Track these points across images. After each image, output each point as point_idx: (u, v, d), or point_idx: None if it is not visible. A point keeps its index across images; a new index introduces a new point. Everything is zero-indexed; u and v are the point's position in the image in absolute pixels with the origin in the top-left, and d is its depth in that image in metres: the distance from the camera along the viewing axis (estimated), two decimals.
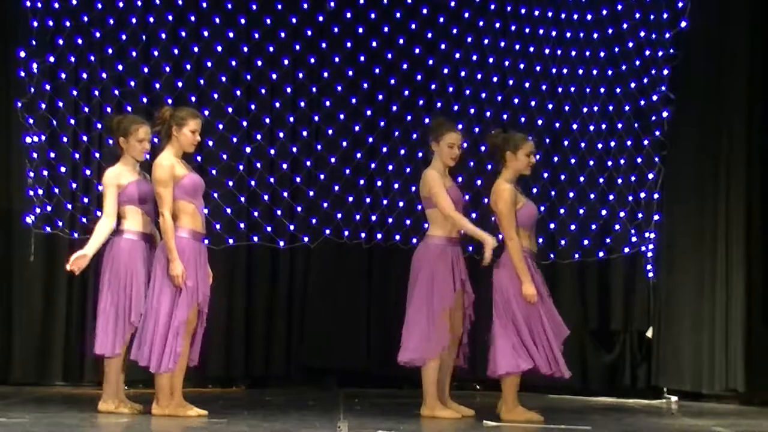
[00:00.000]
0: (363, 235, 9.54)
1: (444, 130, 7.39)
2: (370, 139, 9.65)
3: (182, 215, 6.95)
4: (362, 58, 9.69)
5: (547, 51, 9.56)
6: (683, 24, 9.00)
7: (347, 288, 9.68)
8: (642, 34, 9.28)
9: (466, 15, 9.70)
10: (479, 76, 9.66)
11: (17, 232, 9.19)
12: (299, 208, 9.55)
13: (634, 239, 9.19)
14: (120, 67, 9.41)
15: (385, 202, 9.57)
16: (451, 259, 7.27)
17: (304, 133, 9.62)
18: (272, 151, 9.58)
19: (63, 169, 9.23)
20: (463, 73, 9.66)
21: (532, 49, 9.60)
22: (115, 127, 7.27)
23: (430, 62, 9.69)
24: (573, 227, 9.37)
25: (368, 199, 9.61)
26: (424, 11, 9.71)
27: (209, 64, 9.52)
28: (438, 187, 7.24)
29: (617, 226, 9.28)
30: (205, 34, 9.54)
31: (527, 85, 9.61)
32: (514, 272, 7.08)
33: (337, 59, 9.66)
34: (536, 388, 9.16)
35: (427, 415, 7.19)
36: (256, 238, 9.42)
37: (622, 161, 9.30)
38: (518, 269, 7.07)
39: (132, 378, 8.70)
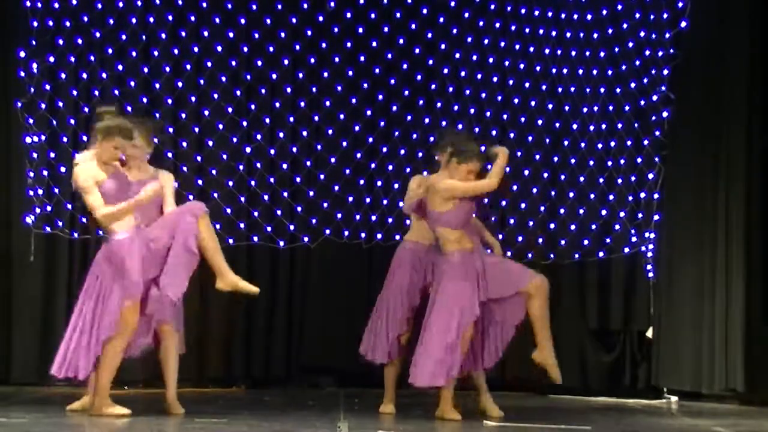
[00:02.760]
0: (363, 235, 9.54)
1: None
2: (370, 139, 9.66)
3: None
4: (362, 58, 9.69)
5: (547, 51, 9.56)
6: (683, 24, 9.00)
7: (347, 288, 9.67)
8: (642, 34, 9.28)
9: (466, 15, 9.71)
10: (479, 76, 9.66)
11: (17, 232, 9.19)
12: (299, 208, 9.56)
13: (634, 239, 9.19)
14: (120, 67, 9.41)
15: (385, 202, 9.57)
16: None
17: (304, 133, 9.62)
18: (272, 151, 9.58)
19: (63, 169, 9.23)
20: (463, 73, 9.66)
21: (532, 49, 9.60)
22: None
23: (430, 62, 9.69)
24: (573, 227, 9.37)
25: (368, 199, 9.61)
26: (424, 11, 9.71)
27: (209, 64, 9.52)
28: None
29: (617, 226, 9.28)
30: (205, 34, 9.54)
31: (527, 85, 9.62)
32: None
33: (337, 59, 9.66)
34: (537, 388, 9.18)
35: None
36: (256, 238, 9.42)
37: (622, 161, 9.30)
38: None
39: (132, 378, 8.74)
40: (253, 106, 9.57)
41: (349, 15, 9.68)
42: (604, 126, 9.38)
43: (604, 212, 9.33)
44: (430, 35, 9.72)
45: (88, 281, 6.70)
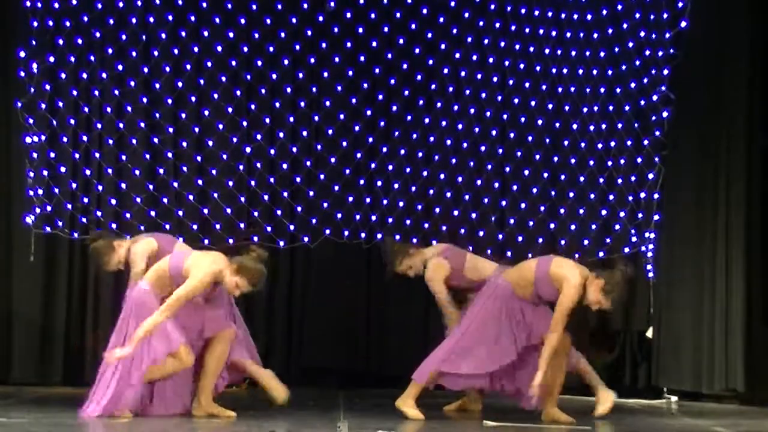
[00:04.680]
0: (363, 235, 9.53)
1: None
2: (370, 139, 9.65)
3: None
4: (362, 58, 9.68)
5: (547, 51, 9.56)
6: (683, 24, 9.00)
7: (347, 288, 9.67)
8: (642, 34, 9.29)
9: (466, 15, 9.70)
10: (479, 76, 9.66)
11: (17, 232, 9.19)
12: (299, 208, 9.55)
13: (634, 239, 9.19)
14: (120, 67, 9.41)
15: (385, 202, 9.57)
16: None
17: (304, 133, 9.62)
18: (272, 151, 9.58)
19: (63, 169, 9.24)
20: (463, 73, 9.66)
21: (532, 49, 9.60)
22: None
23: (430, 62, 9.69)
24: (573, 227, 9.37)
25: (368, 199, 9.61)
26: (424, 11, 9.71)
27: (209, 64, 9.52)
28: None
29: (617, 226, 9.28)
30: (205, 34, 9.54)
31: (527, 85, 9.61)
32: None
33: (337, 59, 9.66)
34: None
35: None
36: (256, 238, 9.41)
37: (622, 161, 9.30)
38: None
39: None
40: (253, 106, 9.57)
41: (349, 15, 9.68)
42: (604, 126, 9.38)
43: (604, 212, 9.33)
44: (430, 35, 9.71)
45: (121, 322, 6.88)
